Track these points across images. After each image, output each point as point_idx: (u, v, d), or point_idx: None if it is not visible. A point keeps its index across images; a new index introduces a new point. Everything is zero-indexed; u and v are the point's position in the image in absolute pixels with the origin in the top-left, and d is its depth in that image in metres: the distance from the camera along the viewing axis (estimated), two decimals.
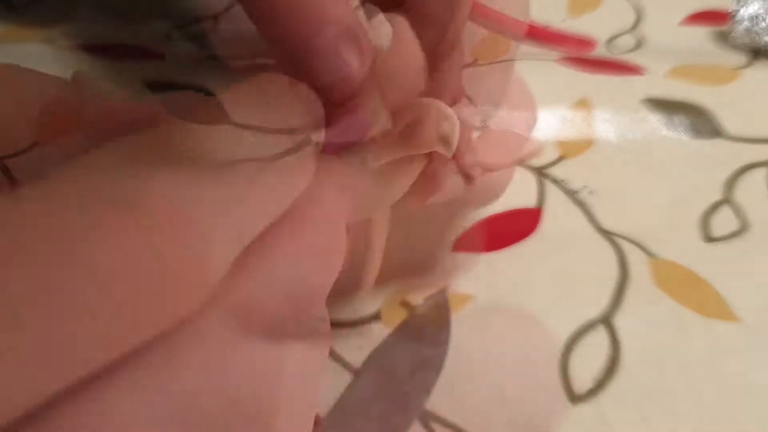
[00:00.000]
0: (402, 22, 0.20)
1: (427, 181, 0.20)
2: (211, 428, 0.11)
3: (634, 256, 0.29)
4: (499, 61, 0.25)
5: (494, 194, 0.23)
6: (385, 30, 0.20)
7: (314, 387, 0.15)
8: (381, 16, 0.20)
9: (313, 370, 0.15)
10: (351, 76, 0.17)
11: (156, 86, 0.34)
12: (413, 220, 0.30)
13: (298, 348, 0.13)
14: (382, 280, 0.28)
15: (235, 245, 0.12)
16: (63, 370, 0.10)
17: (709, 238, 0.30)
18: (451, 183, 0.21)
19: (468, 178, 0.22)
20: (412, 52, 0.20)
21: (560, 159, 0.33)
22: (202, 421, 0.11)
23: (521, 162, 0.33)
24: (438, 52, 0.20)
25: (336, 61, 0.17)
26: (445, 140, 0.17)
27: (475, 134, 0.23)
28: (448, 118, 0.17)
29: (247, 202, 0.12)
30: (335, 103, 0.18)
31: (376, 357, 0.26)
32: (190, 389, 0.11)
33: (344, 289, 0.28)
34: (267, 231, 0.13)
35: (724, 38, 0.40)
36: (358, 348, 0.26)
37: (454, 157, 0.21)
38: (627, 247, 0.29)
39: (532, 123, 0.26)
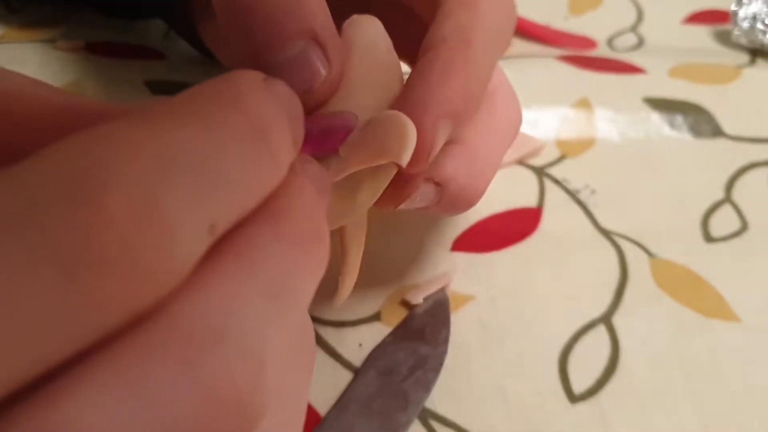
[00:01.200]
0: (375, 22, 0.20)
1: (396, 189, 0.20)
2: (191, 426, 0.10)
3: (635, 256, 0.29)
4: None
5: (467, 203, 0.23)
6: (362, 32, 0.19)
7: (301, 390, 0.15)
8: (355, 17, 0.20)
9: (299, 373, 0.14)
10: (317, 85, 0.17)
11: (156, 86, 0.34)
12: (412, 221, 0.30)
13: (280, 346, 0.12)
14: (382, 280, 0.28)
15: (205, 236, 0.11)
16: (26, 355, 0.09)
17: (710, 238, 0.30)
18: (422, 192, 0.21)
19: (439, 187, 0.22)
20: (384, 56, 0.20)
21: (561, 158, 0.33)
22: (181, 424, 0.10)
23: (521, 161, 0.33)
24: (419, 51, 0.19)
25: (304, 71, 0.17)
26: (397, 152, 0.17)
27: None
28: (404, 130, 0.17)
29: (219, 190, 0.11)
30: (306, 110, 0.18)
31: (376, 356, 0.26)
32: (166, 390, 0.10)
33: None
34: (244, 224, 0.12)
35: (725, 37, 0.40)
36: (358, 347, 0.26)
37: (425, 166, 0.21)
38: (627, 246, 0.29)
39: (518, 124, 0.26)
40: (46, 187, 0.10)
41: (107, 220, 0.10)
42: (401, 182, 0.20)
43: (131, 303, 0.10)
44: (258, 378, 0.11)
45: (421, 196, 0.21)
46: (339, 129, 0.17)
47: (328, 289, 0.28)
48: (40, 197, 0.10)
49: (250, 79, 0.13)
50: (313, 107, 0.18)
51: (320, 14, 0.17)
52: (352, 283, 0.22)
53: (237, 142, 0.12)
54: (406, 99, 0.19)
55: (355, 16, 0.20)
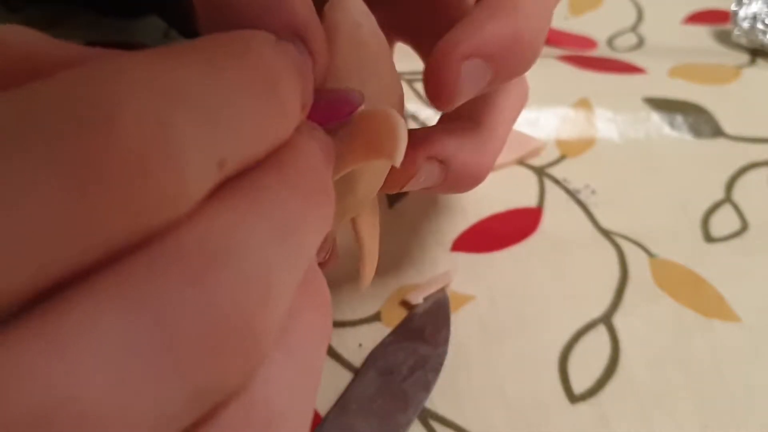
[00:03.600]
0: (356, 2, 0.19)
1: (399, 171, 0.20)
2: (196, 345, 0.10)
3: (635, 256, 0.29)
4: None
5: (474, 180, 0.22)
6: (344, 14, 0.18)
7: (315, 348, 0.14)
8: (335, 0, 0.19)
9: (311, 328, 0.14)
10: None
11: None
12: (412, 220, 0.30)
13: (286, 284, 0.12)
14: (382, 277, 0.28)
15: (214, 170, 0.11)
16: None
17: (710, 238, 0.30)
18: (426, 171, 0.21)
19: (443, 165, 0.21)
20: (368, 37, 0.19)
21: (561, 158, 0.33)
22: (185, 341, 0.10)
23: (521, 161, 0.33)
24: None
25: None
26: (388, 151, 0.17)
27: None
28: (393, 127, 0.17)
29: (228, 128, 0.11)
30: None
31: (376, 356, 0.26)
32: (170, 306, 0.10)
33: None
34: (251, 170, 0.12)
35: (725, 37, 0.40)
36: (358, 347, 0.26)
37: (431, 144, 0.21)
38: (627, 246, 0.29)
39: (524, 97, 0.25)
40: (59, 104, 0.10)
41: (120, 136, 0.10)
42: (403, 163, 0.20)
43: (139, 221, 0.10)
44: (264, 305, 0.11)
45: (426, 175, 0.21)
46: (344, 103, 0.17)
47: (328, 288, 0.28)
48: (54, 112, 0.10)
49: (261, 35, 0.14)
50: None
51: (300, 7, 0.17)
52: (373, 270, 0.22)
53: (246, 86, 0.12)
54: (441, 40, 0.18)
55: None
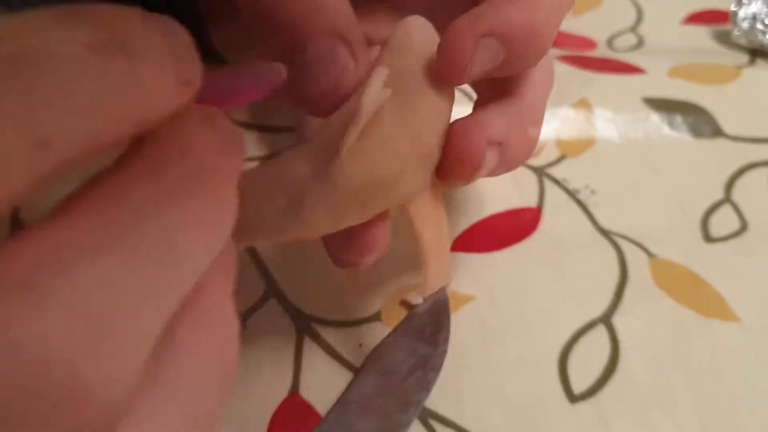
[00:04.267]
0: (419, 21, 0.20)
1: (468, 161, 0.20)
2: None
3: (634, 256, 0.29)
4: None
5: (525, 157, 0.22)
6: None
7: (203, 392, 0.11)
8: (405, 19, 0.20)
9: (201, 367, 0.11)
10: (346, 82, 0.18)
11: None
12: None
13: (147, 320, 0.10)
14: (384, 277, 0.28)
15: (37, 151, 0.09)
16: None
17: (710, 238, 0.30)
18: (490, 156, 0.20)
19: (502, 147, 0.20)
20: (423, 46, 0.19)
21: (561, 158, 0.33)
22: None
23: None
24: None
25: (334, 66, 0.17)
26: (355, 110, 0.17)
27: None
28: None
29: (54, 95, 0.09)
30: (328, 109, 0.18)
31: (376, 356, 0.26)
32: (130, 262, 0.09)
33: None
34: (115, 167, 0.10)
35: (724, 37, 0.40)
36: (358, 347, 0.26)
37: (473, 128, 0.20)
38: (627, 246, 0.29)
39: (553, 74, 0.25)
40: None
41: None
42: (469, 154, 0.20)
43: None
44: (98, 349, 0.09)
45: (486, 162, 0.20)
46: (250, 89, 0.16)
47: (328, 289, 0.28)
48: None
49: (123, 8, 0.11)
50: (340, 101, 0.18)
51: (342, 13, 0.17)
52: (439, 269, 0.22)
53: (79, 43, 0.10)
54: (458, 18, 0.19)
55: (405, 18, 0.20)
